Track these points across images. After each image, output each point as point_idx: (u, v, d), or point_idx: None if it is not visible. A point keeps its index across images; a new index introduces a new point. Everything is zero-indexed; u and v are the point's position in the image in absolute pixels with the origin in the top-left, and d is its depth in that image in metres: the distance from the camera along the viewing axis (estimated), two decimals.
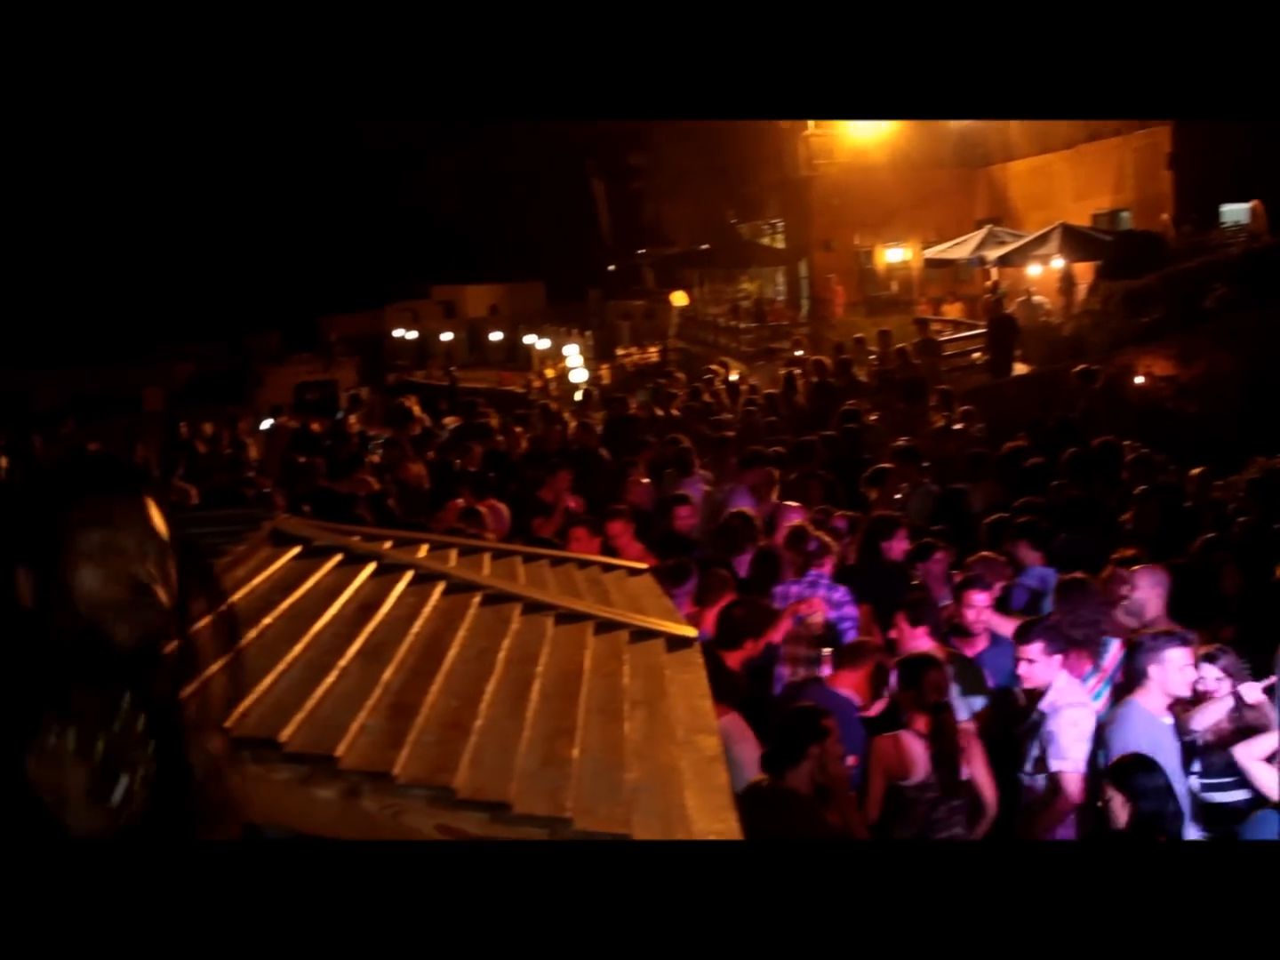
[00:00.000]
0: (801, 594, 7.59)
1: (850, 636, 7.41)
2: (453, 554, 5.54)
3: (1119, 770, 5.35)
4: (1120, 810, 5.16)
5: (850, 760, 5.98)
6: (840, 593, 7.76)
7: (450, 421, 18.90)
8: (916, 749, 6.06)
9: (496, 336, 34.43)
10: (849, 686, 6.42)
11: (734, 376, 22.74)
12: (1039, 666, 6.27)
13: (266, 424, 19.96)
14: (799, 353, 23.38)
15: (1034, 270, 24.80)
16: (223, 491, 12.55)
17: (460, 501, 10.35)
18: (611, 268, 41.06)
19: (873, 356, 21.19)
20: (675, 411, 16.94)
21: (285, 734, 3.35)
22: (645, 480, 11.25)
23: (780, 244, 37.38)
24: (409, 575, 4.85)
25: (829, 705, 5.96)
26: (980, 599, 7.16)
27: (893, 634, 7.12)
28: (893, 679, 6.45)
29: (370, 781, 3.34)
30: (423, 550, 5.40)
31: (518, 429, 15.60)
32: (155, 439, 18.99)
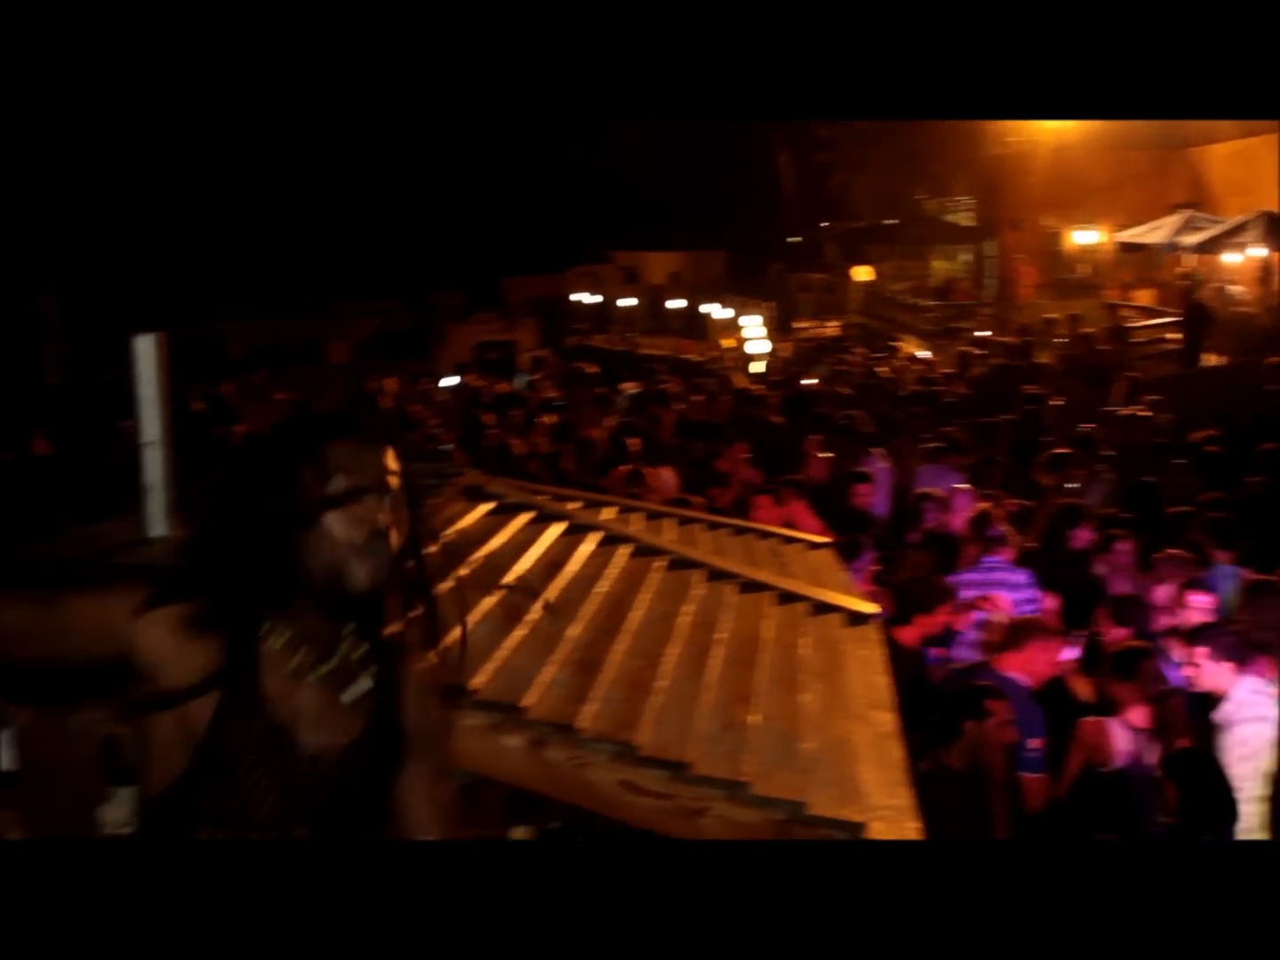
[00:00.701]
0: (982, 581, 7.49)
1: None
2: (638, 518, 5.63)
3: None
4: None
5: (1034, 742, 5.85)
6: (1022, 575, 7.63)
7: (628, 387, 19.02)
8: (1122, 737, 5.92)
9: (676, 304, 34.40)
10: (1017, 668, 6.29)
11: (917, 353, 22.49)
12: (1207, 671, 6.04)
13: (449, 381, 20.28)
14: (983, 333, 23.02)
15: (1231, 258, 24.01)
16: (405, 448, 12.86)
17: (628, 466, 10.39)
18: (793, 240, 40.81)
19: (1060, 340, 20.74)
20: (852, 388, 16.84)
21: (477, 681, 3.46)
22: (824, 455, 11.21)
23: (967, 222, 36.79)
24: (596, 536, 4.95)
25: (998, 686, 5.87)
26: (1202, 601, 6.91)
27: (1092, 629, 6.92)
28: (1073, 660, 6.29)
29: (556, 733, 3.43)
30: (609, 513, 5.50)
31: (696, 398, 15.63)
32: (340, 392, 19.47)
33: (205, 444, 12.30)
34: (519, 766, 3.43)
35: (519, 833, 4.29)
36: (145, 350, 3.94)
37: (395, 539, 2.25)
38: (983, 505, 8.42)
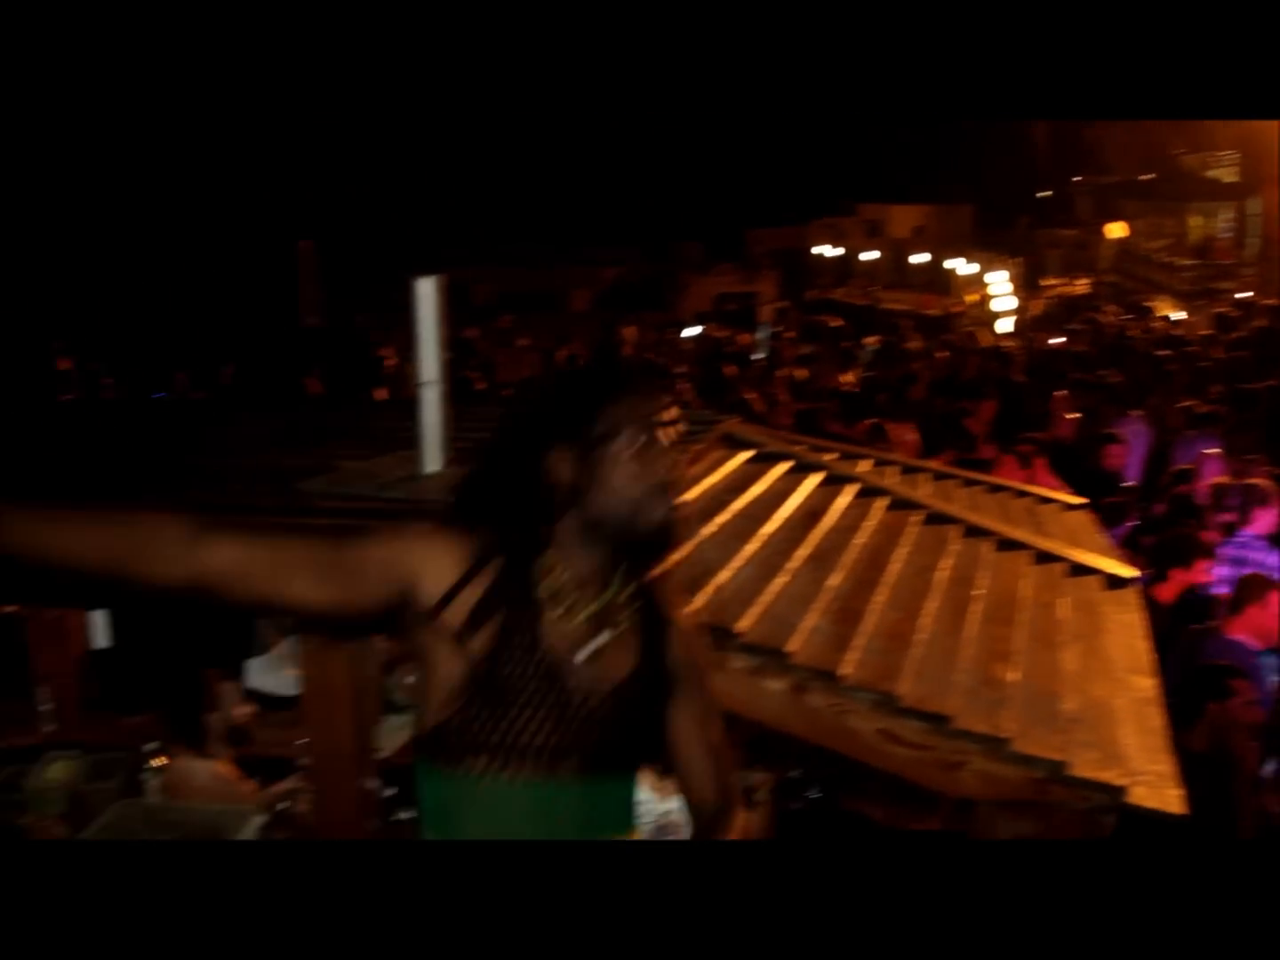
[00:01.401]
0: (1233, 557, 7.19)
1: None
2: (893, 471, 5.60)
3: None
4: None
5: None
6: (1275, 556, 7.31)
7: (870, 341, 18.83)
8: None
9: (920, 258, 33.80)
10: (1247, 630, 5.98)
11: (1172, 315, 21.71)
12: None
13: (691, 331, 20.37)
14: (1244, 294, 22.09)
15: None
16: None
17: (870, 421, 10.29)
18: (1043, 194, 39.75)
19: None
20: (1102, 348, 16.36)
21: (742, 625, 3.52)
22: (1071, 416, 10.94)
23: (1230, 178, 35.27)
24: (854, 488, 4.95)
25: (1227, 653, 5.61)
26: None
27: None
28: None
29: (818, 679, 3.47)
30: (865, 465, 5.49)
31: (941, 354, 15.40)
32: (582, 340, 19.72)
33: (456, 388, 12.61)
34: (780, 710, 3.48)
35: (758, 778, 4.34)
36: (425, 292, 4.07)
37: (673, 491, 2.31)
38: (1240, 476, 8.10)
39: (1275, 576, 7.00)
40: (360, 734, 3.41)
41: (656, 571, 2.39)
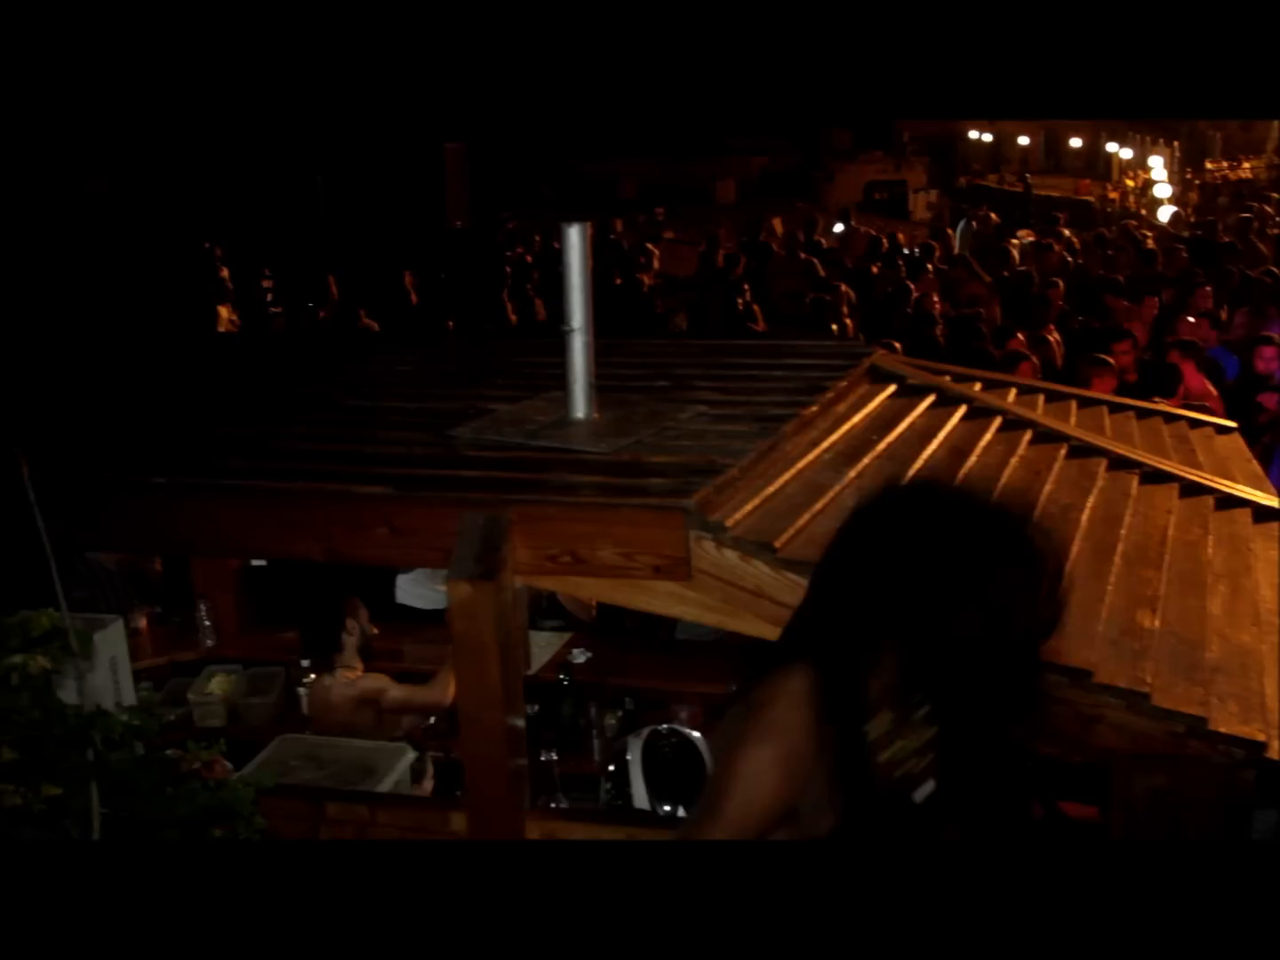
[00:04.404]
0: None
1: None
2: (1040, 400, 5.56)
3: None
4: None
5: None
6: None
7: (1024, 234, 18.44)
8: None
9: (1076, 143, 32.86)
10: None
11: None
12: None
13: (839, 228, 20.11)
14: None
15: None
16: (791, 298, 12.81)
17: (1022, 335, 10.05)
18: None
19: None
20: (1268, 240, 15.84)
21: None
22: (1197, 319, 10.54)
23: None
24: (997, 421, 4.93)
25: None
26: None
27: None
28: None
29: None
30: (1011, 394, 5.45)
31: (1101, 251, 15.04)
32: (730, 233, 19.59)
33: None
34: None
35: None
36: (573, 239, 4.12)
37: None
38: None
39: None
40: (508, 677, 3.53)
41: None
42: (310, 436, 4.42)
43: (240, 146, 15.09)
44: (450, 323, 12.07)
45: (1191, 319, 10.52)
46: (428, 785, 4.78)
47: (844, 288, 12.74)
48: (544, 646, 5.97)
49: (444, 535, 3.56)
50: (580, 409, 4.21)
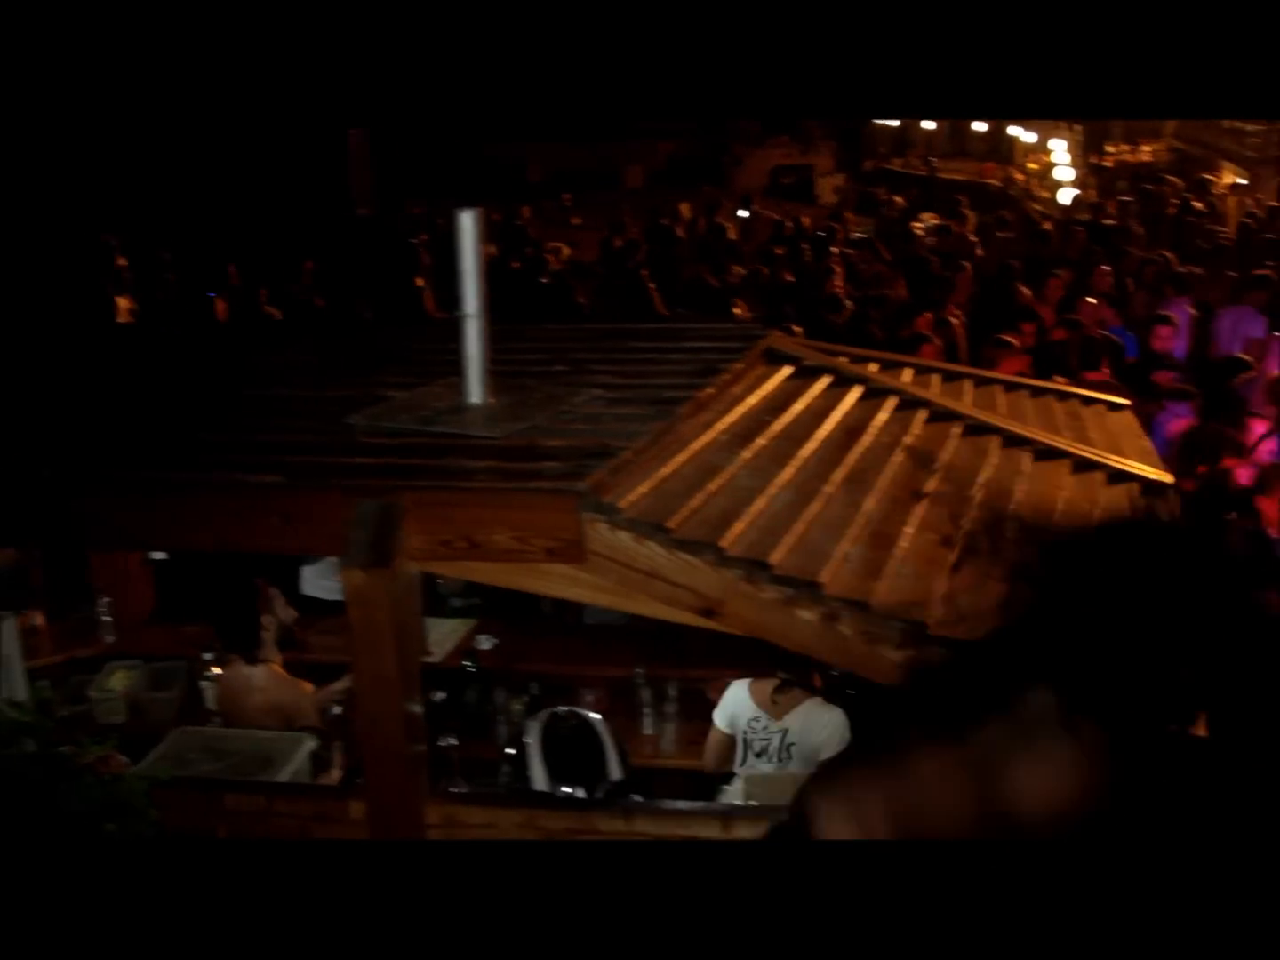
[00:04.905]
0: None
1: None
2: (935, 380, 5.63)
3: None
4: None
5: None
6: None
7: (928, 218, 18.61)
8: None
9: (980, 126, 33.17)
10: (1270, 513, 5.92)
11: (1239, 181, 21.24)
12: None
13: (743, 213, 20.14)
14: None
15: None
16: (694, 283, 12.84)
17: (928, 316, 10.15)
18: None
19: None
20: (1162, 222, 16.10)
21: (775, 557, 3.59)
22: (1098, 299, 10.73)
23: None
24: (893, 401, 4.98)
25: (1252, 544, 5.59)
26: None
27: None
28: None
29: (849, 609, 3.54)
30: (907, 375, 5.51)
31: (1000, 234, 15.20)
32: (636, 218, 19.58)
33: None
34: (811, 638, 3.56)
35: None
36: (466, 225, 4.12)
37: None
38: None
39: None
40: (404, 664, 3.53)
41: None
42: (206, 426, 4.38)
43: (143, 134, 14.83)
44: (368, 313, 11.95)
45: (1092, 300, 10.71)
46: (335, 774, 4.76)
47: (741, 270, 12.81)
48: (450, 633, 5.97)
49: (338, 523, 3.55)
50: (476, 394, 4.21)
